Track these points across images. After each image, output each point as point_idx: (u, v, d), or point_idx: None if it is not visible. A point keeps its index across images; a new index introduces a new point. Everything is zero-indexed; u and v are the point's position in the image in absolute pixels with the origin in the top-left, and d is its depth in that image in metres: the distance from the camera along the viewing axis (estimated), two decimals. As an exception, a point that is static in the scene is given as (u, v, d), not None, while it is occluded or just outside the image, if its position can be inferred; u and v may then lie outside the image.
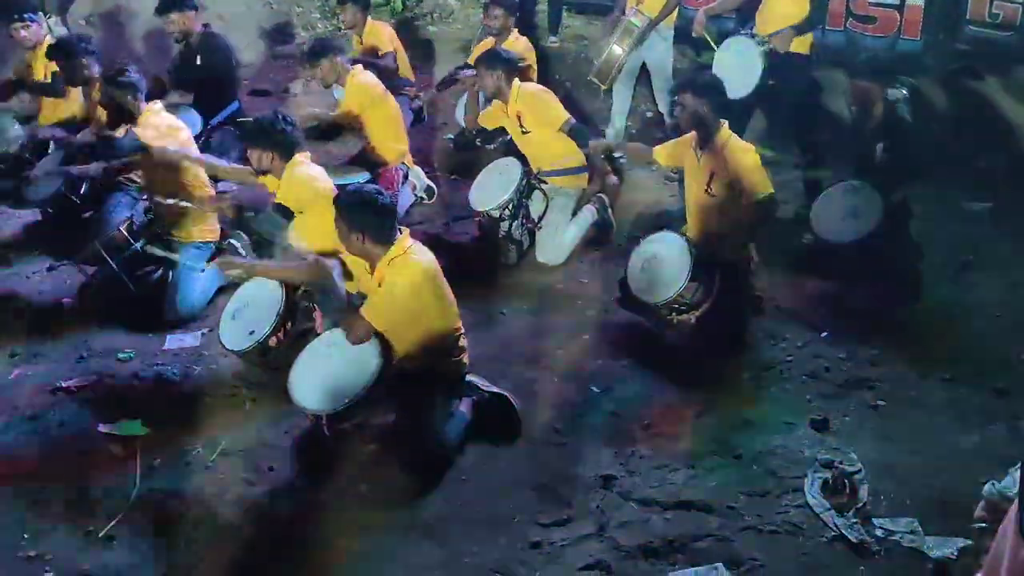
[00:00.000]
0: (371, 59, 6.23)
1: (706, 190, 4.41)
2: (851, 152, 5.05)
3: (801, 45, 5.49)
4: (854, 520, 3.28)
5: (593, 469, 3.60)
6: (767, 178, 4.35)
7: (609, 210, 5.43)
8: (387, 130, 5.67)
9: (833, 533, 3.23)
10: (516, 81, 5.18)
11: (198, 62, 6.22)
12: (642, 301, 4.40)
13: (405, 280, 3.51)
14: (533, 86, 5.34)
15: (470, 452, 3.68)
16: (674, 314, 4.37)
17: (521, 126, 5.21)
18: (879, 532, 3.23)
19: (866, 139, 4.77)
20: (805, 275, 4.89)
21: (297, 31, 8.97)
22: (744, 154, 4.35)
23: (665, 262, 4.29)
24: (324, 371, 3.56)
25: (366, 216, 3.52)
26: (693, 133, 4.48)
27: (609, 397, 4.05)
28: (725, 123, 4.40)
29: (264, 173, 4.34)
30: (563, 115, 5.15)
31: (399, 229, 3.60)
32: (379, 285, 3.56)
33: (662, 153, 4.80)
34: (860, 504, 3.36)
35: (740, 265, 4.48)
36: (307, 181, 4.22)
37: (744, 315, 4.49)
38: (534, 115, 5.13)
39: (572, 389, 4.10)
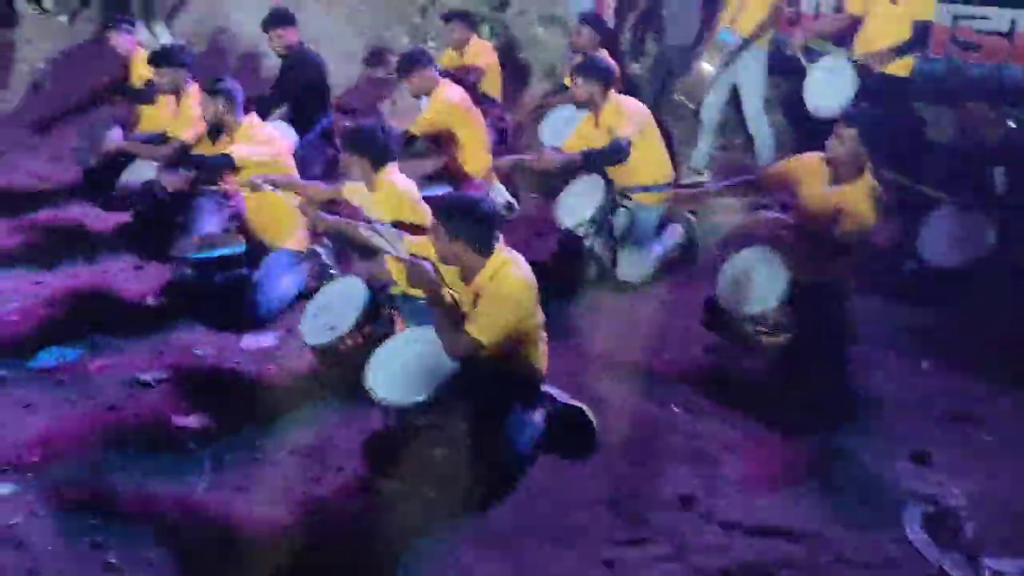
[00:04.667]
0: (460, 75, 6.26)
1: (828, 224, 4.14)
2: (960, 177, 4.78)
3: (901, 68, 5.27)
4: (959, 558, 3.02)
5: (672, 488, 3.42)
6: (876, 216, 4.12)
7: (696, 231, 5.29)
8: (471, 145, 5.64)
9: (935, 571, 2.98)
10: (612, 94, 5.10)
11: (292, 77, 6.38)
12: (729, 321, 4.22)
13: (510, 294, 3.37)
14: (631, 101, 5.22)
15: (543, 464, 3.53)
16: (763, 335, 4.17)
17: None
18: (987, 573, 2.97)
19: (981, 164, 4.49)
20: (905, 302, 4.65)
21: (387, 55, 9.09)
22: (875, 197, 4.11)
23: (759, 276, 4.10)
24: (403, 363, 3.48)
25: (468, 223, 3.35)
26: (821, 161, 4.24)
27: (691, 416, 3.87)
28: (869, 169, 4.17)
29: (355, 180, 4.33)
30: (622, 132, 4.91)
31: (497, 238, 3.46)
32: (476, 297, 3.42)
33: (770, 176, 4.52)
34: (966, 542, 3.10)
35: (837, 289, 4.27)
36: (404, 191, 4.17)
37: (838, 340, 4.26)
38: (621, 124, 4.99)
39: (652, 407, 3.94)
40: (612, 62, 5.25)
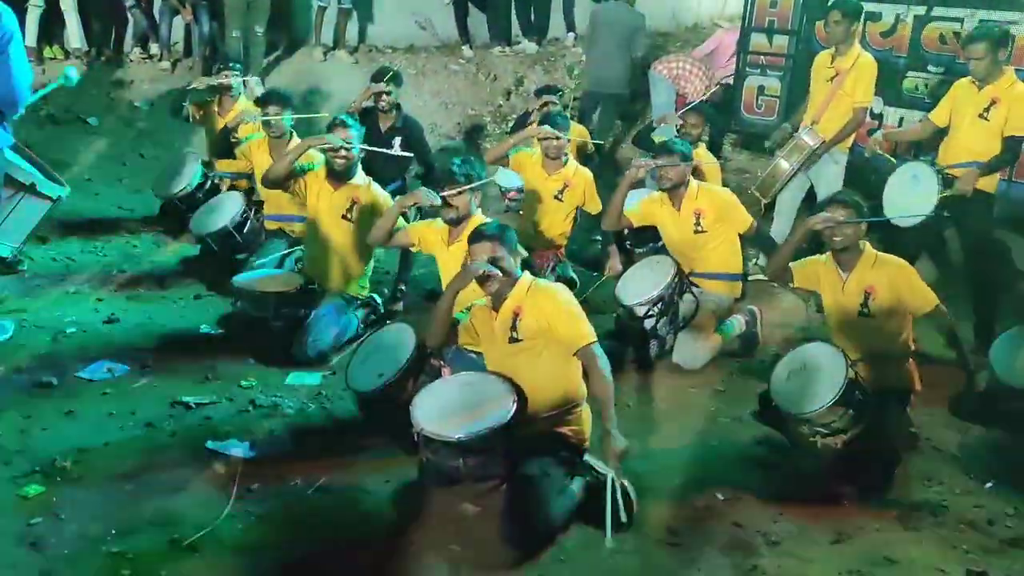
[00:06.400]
0: None
1: (860, 311, 4.10)
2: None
3: (987, 183, 5.14)
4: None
5: (707, 576, 3.24)
6: (928, 291, 4.04)
7: (759, 325, 5.16)
8: (570, 219, 5.84)
9: None
10: (695, 180, 5.09)
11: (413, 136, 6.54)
12: (783, 418, 4.07)
13: (561, 288, 3.62)
14: (723, 188, 5.25)
15: (575, 533, 3.39)
16: (818, 436, 3.99)
17: (697, 224, 5.01)
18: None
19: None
20: (972, 420, 4.42)
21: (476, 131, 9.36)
22: (900, 269, 4.07)
23: (816, 373, 3.94)
24: (449, 402, 3.42)
25: (514, 239, 3.61)
26: (829, 260, 4.19)
27: (734, 507, 3.68)
28: (867, 242, 4.13)
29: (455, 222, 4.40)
30: (750, 219, 5.02)
31: None
32: (515, 316, 3.50)
33: (798, 273, 4.37)
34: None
35: (899, 394, 4.10)
36: None
37: (897, 449, 4.06)
38: (719, 213, 4.97)
39: (694, 492, 3.76)
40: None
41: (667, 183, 4.98)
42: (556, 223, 5.75)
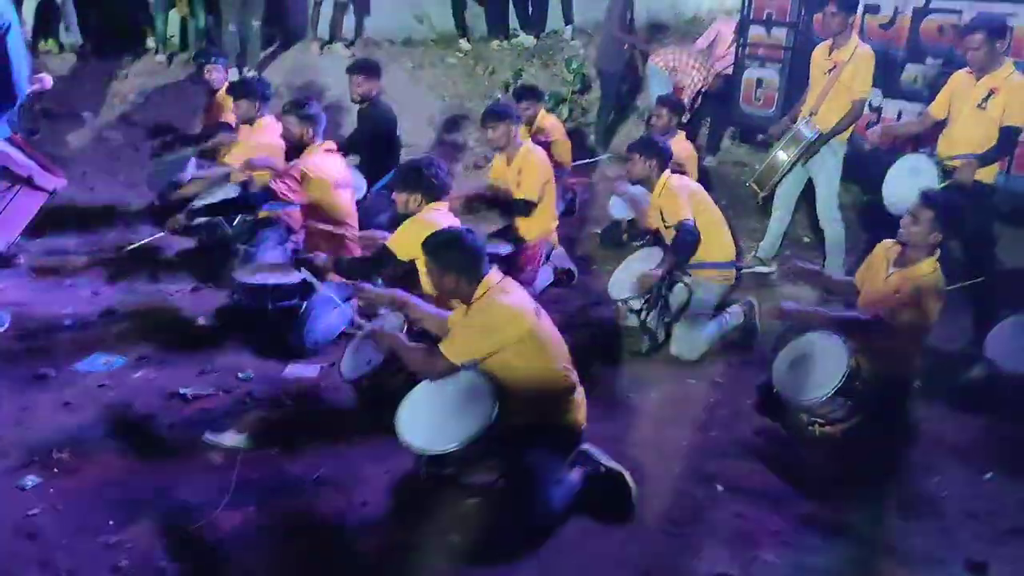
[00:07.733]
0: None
1: (886, 308, 3.97)
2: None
3: (986, 174, 5.13)
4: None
5: (709, 567, 3.22)
6: (929, 323, 3.97)
7: (757, 315, 5.15)
8: (542, 208, 5.67)
9: None
10: (667, 174, 5.06)
11: (364, 127, 6.54)
12: (782, 409, 4.06)
13: (489, 317, 3.41)
14: (679, 179, 5.12)
15: (575, 524, 3.38)
16: (816, 425, 3.99)
17: (663, 217, 5.01)
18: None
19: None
20: (970, 411, 4.42)
21: (464, 123, 9.29)
22: (938, 293, 3.96)
23: (818, 362, 3.93)
24: (436, 408, 3.40)
25: (454, 255, 3.42)
26: (893, 246, 4.14)
27: (734, 498, 3.67)
28: (936, 261, 4.02)
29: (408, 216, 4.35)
30: (682, 214, 4.85)
31: (486, 266, 3.49)
32: None
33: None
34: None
35: (900, 386, 4.09)
36: (426, 227, 3.97)
37: (896, 440, 4.05)
38: (668, 207, 4.94)
39: (694, 483, 3.75)
40: (669, 144, 5.24)
41: (633, 178, 5.09)
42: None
